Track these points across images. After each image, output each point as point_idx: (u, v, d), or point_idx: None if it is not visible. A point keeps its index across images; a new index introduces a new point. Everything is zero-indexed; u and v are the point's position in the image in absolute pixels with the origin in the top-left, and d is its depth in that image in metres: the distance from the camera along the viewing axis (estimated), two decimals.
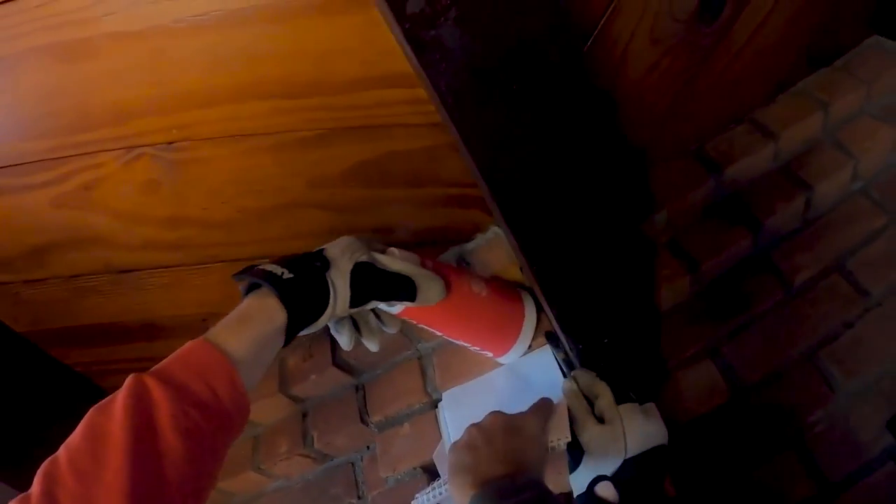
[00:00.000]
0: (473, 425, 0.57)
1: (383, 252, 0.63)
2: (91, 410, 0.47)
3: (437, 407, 0.78)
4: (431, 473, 0.75)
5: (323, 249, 0.59)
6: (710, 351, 0.77)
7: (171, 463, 0.45)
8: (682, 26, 0.71)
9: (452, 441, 0.70)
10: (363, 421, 0.79)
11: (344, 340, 0.62)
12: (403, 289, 0.61)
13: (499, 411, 0.58)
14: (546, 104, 0.50)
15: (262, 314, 0.54)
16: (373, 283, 0.60)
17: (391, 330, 0.65)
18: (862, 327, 0.77)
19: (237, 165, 0.67)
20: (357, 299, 0.58)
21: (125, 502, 0.41)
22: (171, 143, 0.65)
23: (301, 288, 0.55)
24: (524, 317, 0.73)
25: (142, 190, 0.68)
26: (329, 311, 0.57)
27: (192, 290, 0.78)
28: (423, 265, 0.63)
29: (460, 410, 0.73)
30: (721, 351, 0.77)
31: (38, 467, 0.43)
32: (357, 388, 0.82)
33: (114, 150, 0.65)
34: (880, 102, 0.86)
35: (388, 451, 0.77)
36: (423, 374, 0.78)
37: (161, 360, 0.70)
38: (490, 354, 0.72)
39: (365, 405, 0.80)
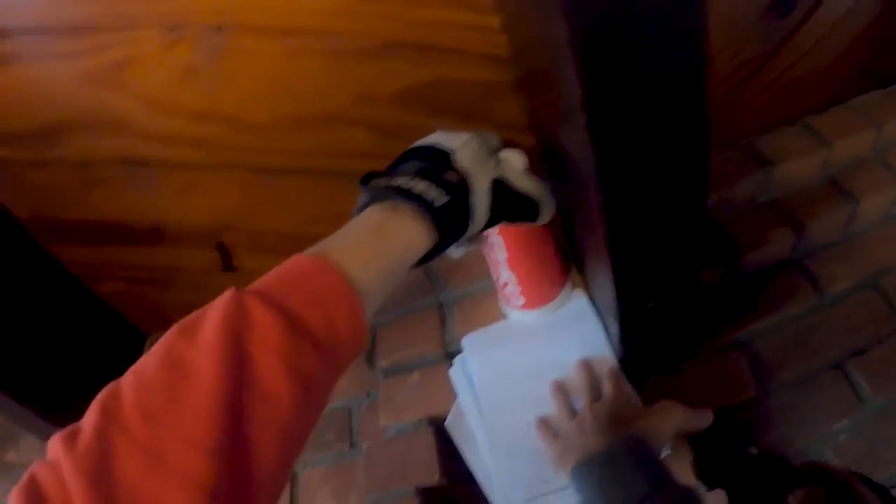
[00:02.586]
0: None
1: (501, 156, 0.56)
2: (172, 330, 0.37)
3: (451, 362, 0.73)
4: (436, 427, 0.70)
5: (449, 154, 0.51)
6: (739, 344, 0.74)
7: (274, 413, 0.35)
8: (758, 14, 0.69)
9: (478, 392, 0.66)
10: (370, 363, 0.74)
11: (458, 253, 0.55)
12: (529, 211, 0.56)
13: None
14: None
15: (404, 238, 0.46)
16: (505, 206, 0.53)
17: (476, 247, 0.58)
18: (893, 344, 0.74)
19: (283, 65, 0.63)
20: (489, 222, 0.52)
21: (203, 461, 0.31)
22: (219, 27, 0.61)
23: (453, 214, 0.48)
24: (567, 274, 0.70)
25: (177, 76, 0.63)
26: (464, 236, 0.50)
27: (208, 197, 0.73)
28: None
29: (484, 353, 0.69)
30: (751, 346, 0.74)
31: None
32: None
33: (156, 26, 0.61)
34: None
35: (393, 399, 0.72)
36: (443, 323, 0.74)
37: (164, 270, 0.63)
38: (522, 301, 0.68)
39: (373, 347, 0.75)
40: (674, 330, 0.67)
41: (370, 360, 0.74)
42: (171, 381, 0.34)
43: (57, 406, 0.75)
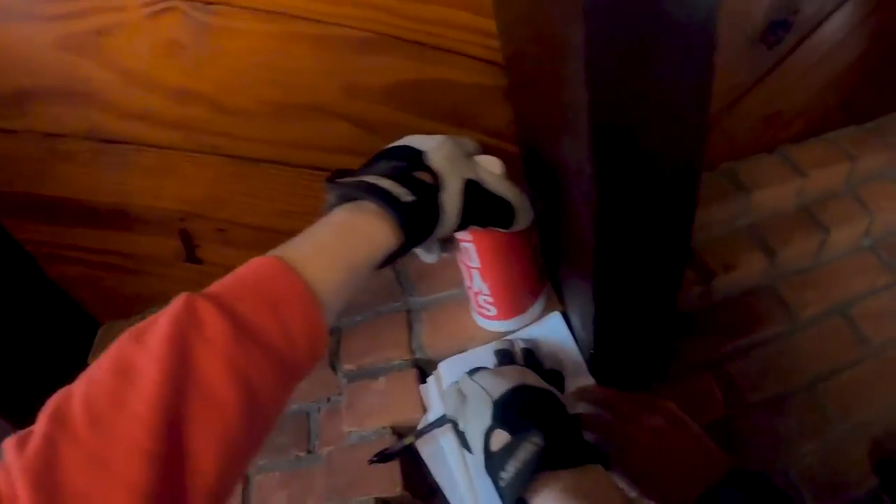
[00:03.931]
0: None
1: (475, 158, 0.55)
2: (125, 334, 0.36)
3: (419, 370, 0.71)
4: (400, 436, 0.67)
5: (422, 154, 0.50)
6: (711, 365, 0.75)
7: (216, 417, 0.35)
8: (747, 41, 0.72)
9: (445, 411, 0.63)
10: (332, 367, 0.71)
11: (433, 257, 0.55)
12: (503, 215, 0.54)
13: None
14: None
15: (367, 237, 0.44)
16: (477, 208, 0.52)
17: (450, 253, 0.57)
18: (861, 371, 0.76)
19: (273, 48, 0.61)
20: (460, 224, 0.51)
21: (143, 466, 0.32)
22: (209, 2, 0.59)
23: (420, 213, 0.46)
24: (542, 286, 0.69)
25: (161, 49, 0.61)
26: (431, 237, 0.49)
27: (179, 181, 0.69)
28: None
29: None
30: (724, 367, 0.75)
31: None
32: (332, 332, 0.74)
33: None
34: None
35: (357, 405, 0.69)
36: (410, 328, 0.71)
37: (125, 256, 0.60)
38: (493, 312, 0.67)
39: (338, 350, 0.72)
40: (646, 349, 0.66)
41: (332, 363, 0.71)
42: (117, 386, 0.34)
43: None
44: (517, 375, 0.54)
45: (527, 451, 0.46)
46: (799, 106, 0.83)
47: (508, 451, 0.47)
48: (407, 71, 0.64)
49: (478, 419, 0.52)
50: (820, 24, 0.73)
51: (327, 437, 0.72)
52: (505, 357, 0.64)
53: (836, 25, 0.74)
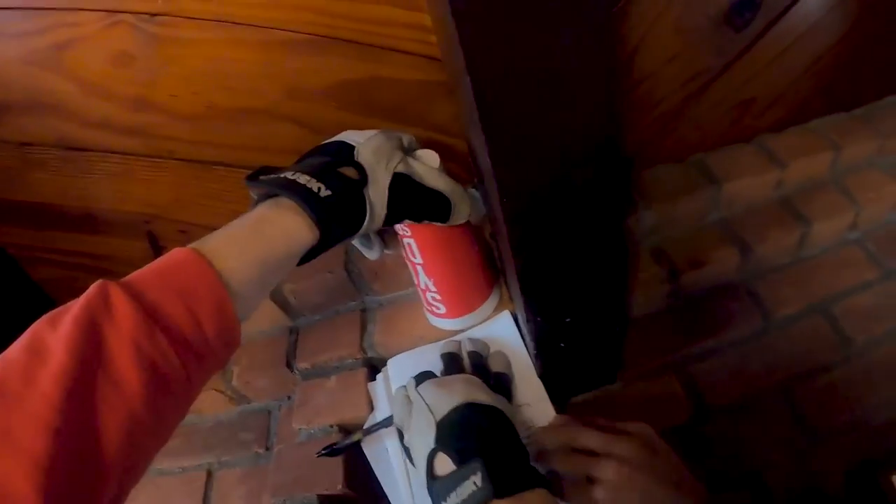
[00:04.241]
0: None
1: (414, 155, 0.55)
2: (42, 318, 0.38)
3: (369, 369, 0.71)
4: (346, 434, 0.67)
5: (352, 148, 0.51)
6: (676, 367, 0.71)
7: (122, 399, 0.36)
8: (711, 24, 0.69)
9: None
10: (289, 366, 0.72)
11: (374, 254, 0.56)
12: (438, 208, 0.54)
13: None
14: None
15: (282, 231, 0.45)
16: (409, 201, 0.52)
17: (394, 249, 0.58)
18: (839, 374, 0.71)
19: (218, 55, 0.64)
20: (390, 218, 0.51)
21: (45, 440, 0.32)
22: (154, 14, 0.62)
23: (338, 207, 0.47)
24: (493, 284, 0.68)
25: (113, 60, 0.64)
26: (359, 232, 0.50)
27: (141, 185, 0.72)
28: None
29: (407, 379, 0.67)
30: (688, 369, 0.71)
31: None
32: (291, 331, 0.75)
33: (95, 10, 0.62)
34: (891, 160, 0.83)
35: (308, 403, 0.70)
36: (364, 328, 0.72)
37: (97, 257, 0.62)
38: (443, 310, 0.66)
39: (294, 350, 0.73)
40: (597, 347, 0.64)
41: (289, 362, 0.72)
42: (28, 364, 0.35)
43: None
44: (462, 389, 0.53)
45: (468, 489, 0.45)
46: (775, 92, 0.79)
47: (451, 481, 0.46)
48: (348, 70, 0.65)
49: (421, 438, 0.51)
50: (793, 3, 0.69)
51: (284, 435, 0.73)
52: (451, 362, 0.63)
53: (812, 5, 0.69)
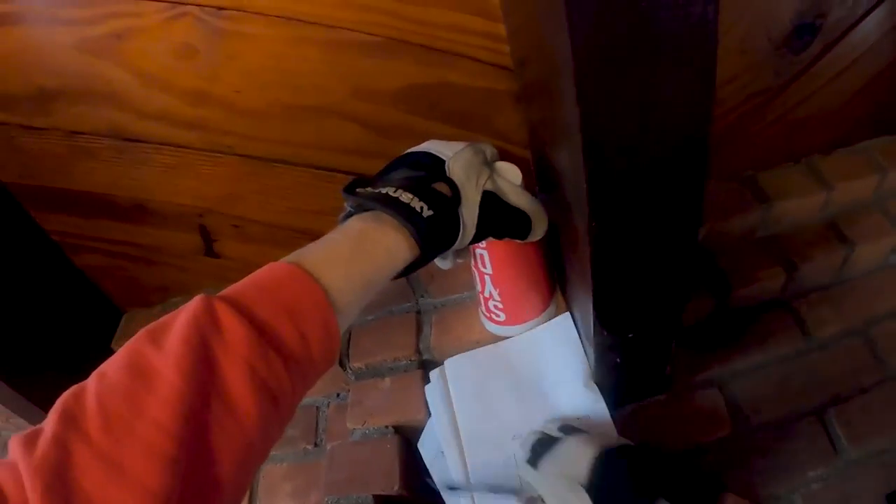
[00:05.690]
0: None
1: (495, 168, 0.55)
2: (140, 334, 0.35)
3: (425, 371, 0.71)
4: (402, 436, 0.68)
5: (441, 161, 0.50)
6: (719, 381, 0.73)
7: (239, 425, 0.34)
8: (772, 47, 0.69)
9: (458, 412, 0.64)
10: (342, 364, 0.73)
11: (447, 264, 0.55)
12: (520, 226, 0.54)
13: None
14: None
15: (385, 249, 0.44)
16: (494, 220, 0.52)
17: (463, 259, 0.58)
18: (875, 396, 0.73)
19: (283, 52, 0.62)
20: (477, 236, 0.50)
21: (162, 472, 0.31)
22: (221, 8, 0.60)
23: (438, 227, 0.46)
24: (552, 296, 0.69)
25: (176, 53, 0.62)
26: (451, 249, 0.49)
27: (195, 179, 0.71)
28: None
29: (465, 380, 0.67)
30: (731, 385, 0.73)
31: None
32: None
33: (160, 0, 0.60)
34: None
35: (362, 403, 0.70)
36: (419, 330, 0.72)
37: (146, 248, 0.61)
38: (502, 318, 0.67)
39: (348, 349, 0.74)
40: (651, 361, 0.65)
41: (342, 360, 0.73)
42: (134, 388, 0.33)
43: (25, 375, 0.74)
44: (591, 441, 0.51)
45: None
46: (826, 114, 0.79)
47: None
48: (416, 74, 0.64)
49: None
50: (850, 28, 0.69)
51: (333, 433, 0.74)
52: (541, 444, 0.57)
53: (868, 30, 0.69)
